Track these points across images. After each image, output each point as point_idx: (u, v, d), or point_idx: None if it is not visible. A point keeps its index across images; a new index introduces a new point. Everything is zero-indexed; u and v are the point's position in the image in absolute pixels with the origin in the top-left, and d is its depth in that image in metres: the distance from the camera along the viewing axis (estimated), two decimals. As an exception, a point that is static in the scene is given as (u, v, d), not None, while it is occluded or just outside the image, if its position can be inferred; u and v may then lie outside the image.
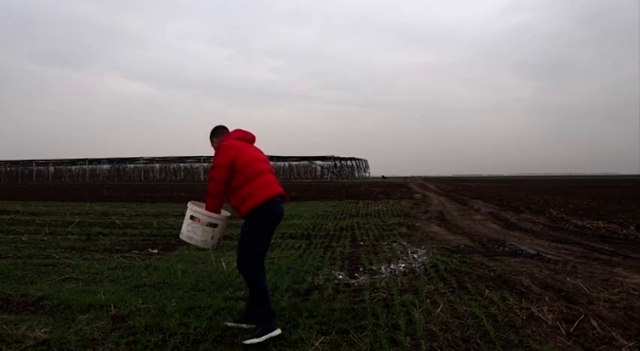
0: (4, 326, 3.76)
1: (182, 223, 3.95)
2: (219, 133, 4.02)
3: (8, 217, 12.55)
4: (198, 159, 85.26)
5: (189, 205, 3.85)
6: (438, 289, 4.95)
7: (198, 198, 10.80)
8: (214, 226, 3.77)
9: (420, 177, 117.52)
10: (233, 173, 3.68)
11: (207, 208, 3.73)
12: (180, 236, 3.86)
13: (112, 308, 4.24)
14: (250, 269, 3.71)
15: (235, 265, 4.18)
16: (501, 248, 7.92)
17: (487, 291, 4.84)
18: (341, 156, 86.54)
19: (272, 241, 8.29)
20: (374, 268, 6.21)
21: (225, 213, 3.86)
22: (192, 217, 3.76)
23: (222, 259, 6.36)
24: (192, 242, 3.79)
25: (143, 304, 4.37)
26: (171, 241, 8.52)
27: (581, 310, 4.11)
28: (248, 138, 4.01)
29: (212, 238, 3.78)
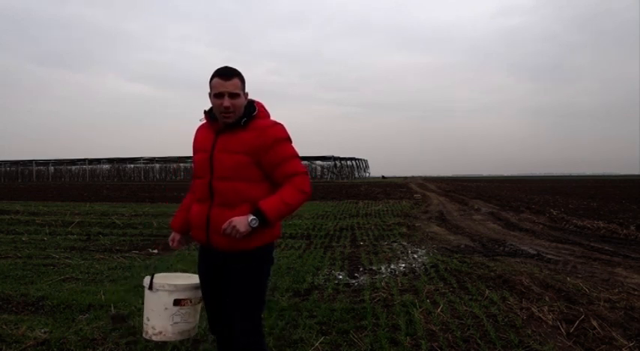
0: (4, 326, 3.75)
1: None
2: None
3: (8, 217, 12.54)
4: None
5: (163, 284, 2.42)
6: (438, 289, 4.95)
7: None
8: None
9: (419, 177, 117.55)
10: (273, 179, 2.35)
11: (292, 205, 2.27)
12: (159, 338, 2.43)
13: (112, 308, 4.23)
14: (262, 337, 2.40)
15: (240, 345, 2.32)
16: (501, 248, 7.92)
17: (487, 291, 4.84)
18: (341, 156, 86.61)
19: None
20: (374, 268, 6.20)
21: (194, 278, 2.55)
22: (178, 302, 2.41)
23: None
24: (185, 336, 2.48)
25: (143, 304, 4.36)
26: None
27: (582, 310, 4.11)
28: None
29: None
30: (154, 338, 2.44)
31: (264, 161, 2.28)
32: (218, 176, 2.29)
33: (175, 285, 2.42)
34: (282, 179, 2.29)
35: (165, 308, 2.39)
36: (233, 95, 2.26)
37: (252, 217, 2.19)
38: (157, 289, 2.42)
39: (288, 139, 2.34)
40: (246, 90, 2.35)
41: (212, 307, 2.46)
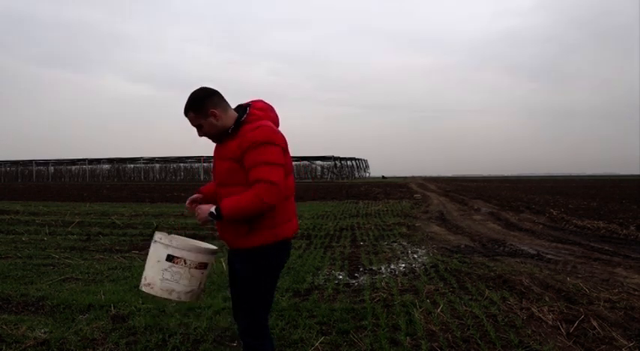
0: (4, 326, 3.76)
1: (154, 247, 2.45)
2: (222, 103, 2.37)
3: (8, 217, 12.54)
4: (198, 159, 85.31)
5: (161, 236, 2.44)
6: (438, 289, 4.95)
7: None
8: (205, 266, 2.47)
9: (420, 177, 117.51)
10: None
11: (245, 209, 2.23)
12: (147, 289, 2.42)
13: (112, 308, 4.24)
14: (264, 338, 2.42)
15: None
16: (501, 248, 7.92)
17: (487, 291, 4.84)
18: (341, 156, 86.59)
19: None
20: (374, 268, 6.20)
21: (208, 246, 2.57)
22: (171, 258, 2.39)
23: (222, 260, 6.37)
24: (173, 296, 2.41)
25: (143, 304, 4.37)
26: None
27: (582, 310, 4.11)
28: (277, 125, 2.47)
29: (200, 284, 2.47)
30: (143, 289, 2.44)
31: (244, 166, 2.26)
32: (218, 183, 2.39)
33: (171, 240, 2.41)
34: (251, 184, 2.23)
35: (158, 261, 2.40)
36: (197, 127, 2.36)
37: (214, 208, 2.26)
38: (156, 241, 2.44)
39: (266, 143, 2.22)
40: (226, 101, 2.37)
41: (232, 296, 2.55)
